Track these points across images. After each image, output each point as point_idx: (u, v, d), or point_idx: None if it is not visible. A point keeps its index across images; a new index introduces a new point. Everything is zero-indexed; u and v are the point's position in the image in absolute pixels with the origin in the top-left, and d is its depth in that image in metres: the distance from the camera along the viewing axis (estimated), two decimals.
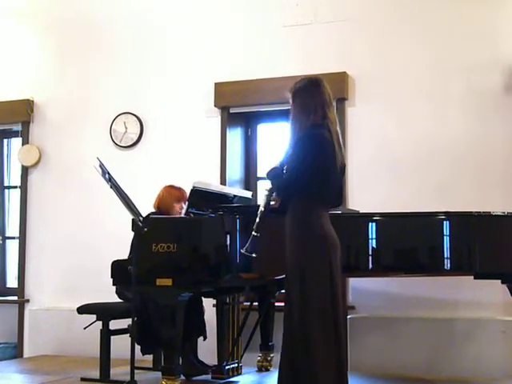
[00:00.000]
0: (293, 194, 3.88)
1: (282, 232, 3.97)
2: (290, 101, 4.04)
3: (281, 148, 4.15)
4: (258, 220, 4.02)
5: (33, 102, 7.24)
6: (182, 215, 5.42)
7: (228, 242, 4.63)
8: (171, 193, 5.64)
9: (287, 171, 3.89)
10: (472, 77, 5.91)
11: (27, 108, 7.21)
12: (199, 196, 4.98)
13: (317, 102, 3.94)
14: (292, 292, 3.83)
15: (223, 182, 6.46)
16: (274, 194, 4.05)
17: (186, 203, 5.05)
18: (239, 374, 5.54)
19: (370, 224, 4.57)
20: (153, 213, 5.45)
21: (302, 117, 3.92)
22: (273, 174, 3.98)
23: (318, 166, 3.86)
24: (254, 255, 4.04)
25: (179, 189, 5.66)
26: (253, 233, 4.02)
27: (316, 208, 3.90)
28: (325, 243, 3.84)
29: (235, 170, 6.66)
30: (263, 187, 4.14)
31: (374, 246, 4.56)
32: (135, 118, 6.86)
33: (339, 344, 3.79)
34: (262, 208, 4.04)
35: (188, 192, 5.30)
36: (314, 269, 3.79)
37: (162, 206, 5.60)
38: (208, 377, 5.40)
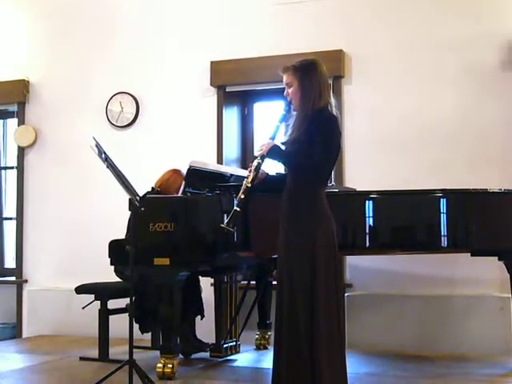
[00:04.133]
0: (320, 175, 3.87)
1: (279, 210, 3.96)
2: (295, 79, 3.97)
3: (271, 124, 4.12)
4: (242, 196, 4.00)
5: (28, 82, 7.21)
6: (180, 192, 5.44)
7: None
8: (177, 180, 5.45)
9: (315, 152, 3.79)
10: (466, 53, 5.90)
11: (23, 88, 7.19)
12: (196, 175, 4.97)
13: (324, 83, 3.94)
14: (297, 268, 3.80)
15: (220, 161, 6.45)
16: (260, 171, 4.03)
17: (183, 183, 5.03)
18: (237, 352, 5.58)
19: (367, 202, 4.57)
20: (150, 192, 5.41)
21: (312, 97, 3.88)
22: (274, 151, 3.96)
23: (337, 150, 3.93)
24: (233, 230, 4.05)
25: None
26: (235, 207, 3.99)
27: (323, 187, 3.91)
28: (333, 222, 3.86)
29: (232, 149, 6.66)
30: (251, 164, 4.08)
31: (371, 223, 4.56)
32: (131, 98, 6.84)
33: (339, 317, 3.81)
34: (248, 184, 4.01)
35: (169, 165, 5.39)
36: (325, 246, 3.78)
37: (164, 188, 5.50)
38: (206, 355, 5.44)
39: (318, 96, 3.89)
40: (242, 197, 4.00)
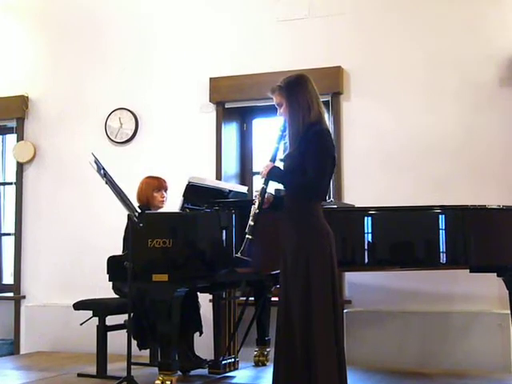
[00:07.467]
0: (317, 191, 3.86)
1: (277, 227, 3.95)
2: (282, 98, 3.95)
3: (270, 143, 4.11)
4: (251, 223, 3.94)
5: (27, 98, 7.22)
6: (178, 208, 5.45)
7: (224, 237, 4.63)
8: (149, 183, 5.66)
9: (308, 170, 3.81)
10: (466, 70, 5.92)
11: (22, 104, 7.19)
12: (195, 191, 4.97)
13: (312, 97, 3.93)
14: (293, 280, 3.80)
15: (219, 177, 6.45)
16: (266, 195, 4.02)
17: (182, 198, 5.04)
18: (236, 368, 5.55)
19: (366, 218, 4.57)
20: (139, 206, 5.43)
21: (302, 112, 3.87)
22: (274, 174, 3.94)
23: (331, 163, 3.90)
24: (249, 259, 3.96)
25: (157, 178, 5.69)
26: (247, 236, 3.94)
27: (319, 202, 3.90)
28: (328, 234, 3.85)
29: (231, 164, 6.66)
30: (256, 189, 4.07)
31: (370, 240, 4.56)
32: (130, 114, 6.85)
33: (337, 333, 3.79)
34: (256, 210, 3.98)
35: (167, 182, 5.60)
36: (319, 258, 3.77)
37: (143, 197, 5.62)
38: (205, 371, 5.41)
39: (306, 110, 3.88)
40: (252, 224, 3.95)
